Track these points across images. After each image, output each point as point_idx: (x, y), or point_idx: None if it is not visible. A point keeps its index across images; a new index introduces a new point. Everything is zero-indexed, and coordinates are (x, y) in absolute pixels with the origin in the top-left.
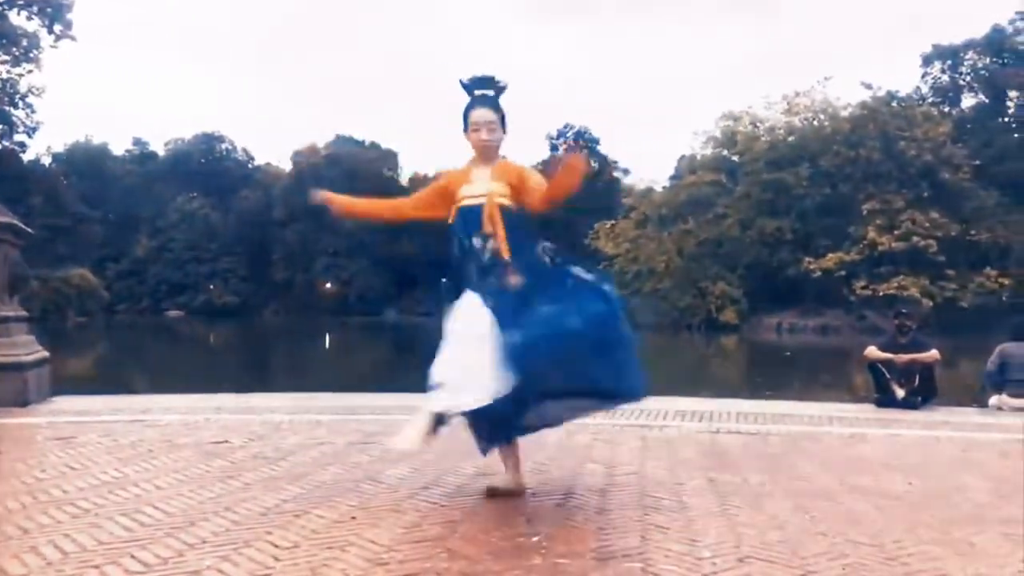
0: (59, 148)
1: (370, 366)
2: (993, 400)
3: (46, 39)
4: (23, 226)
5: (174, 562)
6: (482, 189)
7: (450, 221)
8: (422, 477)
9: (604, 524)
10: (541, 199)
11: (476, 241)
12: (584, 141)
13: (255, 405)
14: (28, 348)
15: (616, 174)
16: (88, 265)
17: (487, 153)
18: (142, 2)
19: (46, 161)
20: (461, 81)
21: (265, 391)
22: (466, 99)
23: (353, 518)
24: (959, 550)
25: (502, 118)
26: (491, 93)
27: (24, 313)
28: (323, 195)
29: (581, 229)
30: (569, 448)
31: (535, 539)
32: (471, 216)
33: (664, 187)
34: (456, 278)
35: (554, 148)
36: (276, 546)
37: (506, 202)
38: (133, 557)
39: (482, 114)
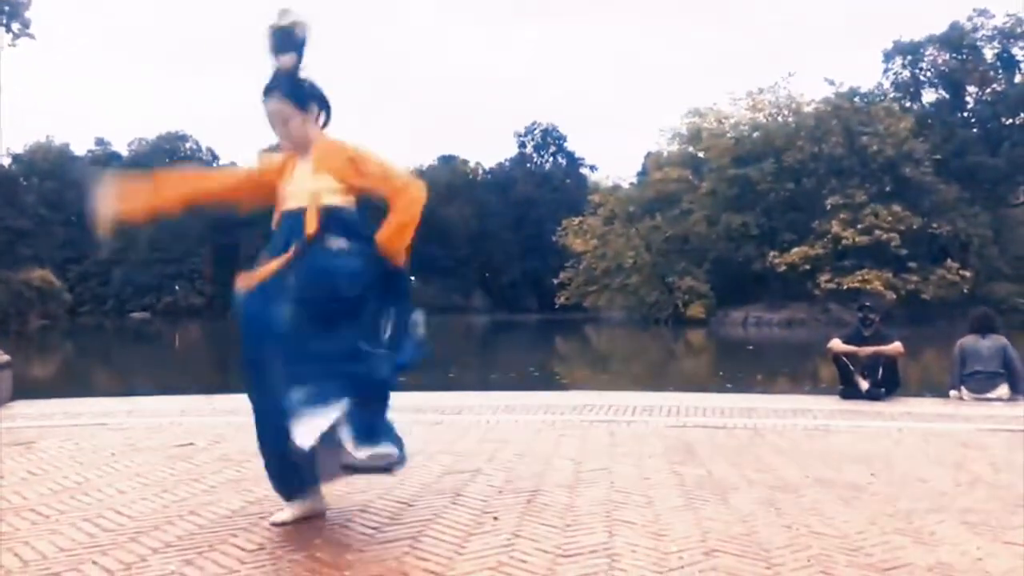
0: (19, 149)
1: None
2: (953, 394)
3: (3, 38)
4: None
5: (138, 567)
6: (305, 187)
7: (273, 227)
8: (390, 478)
9: (572, 521)
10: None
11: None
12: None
13: (220, 407)
14: None
15: (583, 171)
16: (50, 267)
17: (289, 145)
18: (102, 0)
19: (6, 162)
20: (268, 31)
21: (230, 392)
22: None
23: (320, 517)
24: (920, 539)
25: (296, 98)
26: (291, 61)
27: None
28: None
29: (549, 226)
30: (537, 445)
31: (503, 537)
32: (295, 223)
33: (631, 183)
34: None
35: (522, 146)
36: (242, 549)
37: (336, 202)
38: (95, 563)
39: (269, 108)
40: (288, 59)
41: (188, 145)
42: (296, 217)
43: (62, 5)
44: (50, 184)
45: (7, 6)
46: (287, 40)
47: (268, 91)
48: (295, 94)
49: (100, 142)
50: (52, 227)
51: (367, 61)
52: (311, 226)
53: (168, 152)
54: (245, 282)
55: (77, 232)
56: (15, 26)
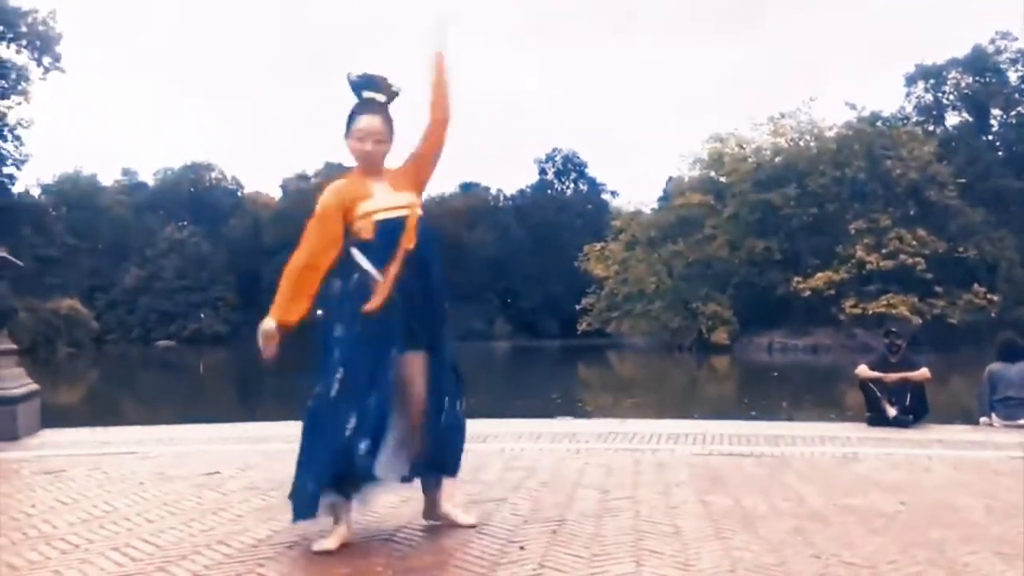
0: (48, 180)
1: None
2: (983, 420)
3: (35, 72)
4: (12, 258)
5: None
6: (399, 200)
7: (366, 236)
8: (413, 506)
9: (598, 551)
10: (429, 132)
11: (400, 260)
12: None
13: (246, 435)
14: (17, 381)
15: (605, 196)
16: (78, 295)
17: (371, 164)
18: (130, 34)
19: (35, 193)
20: (349, 78)
21: (256, 420)
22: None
23: (346, 547)
24: (954, 570)
25: (391, 127)
26: (381, 98)
27: (13, 346)
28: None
29: (571, 252)
30: (562, 474)
31: (529, 567)
32: (396, 230)
33: (653, 209)
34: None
35: (543, 172)
36: None
37: (421, 213)
38: None
39: (369, 122)
40: (383, 96)
41: (213, 175)
42: (397, 224)
43: (91, 38)
44: (78, 213)
45: (38, 40)
46: (378, 84)
47: (375, 109)
48: (391, 123)
49: (127, 172)
50: (79, 256)
51: None
52: (411, 238)
53: (193, 181)
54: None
55: (104, 261)
56: (46, 60)
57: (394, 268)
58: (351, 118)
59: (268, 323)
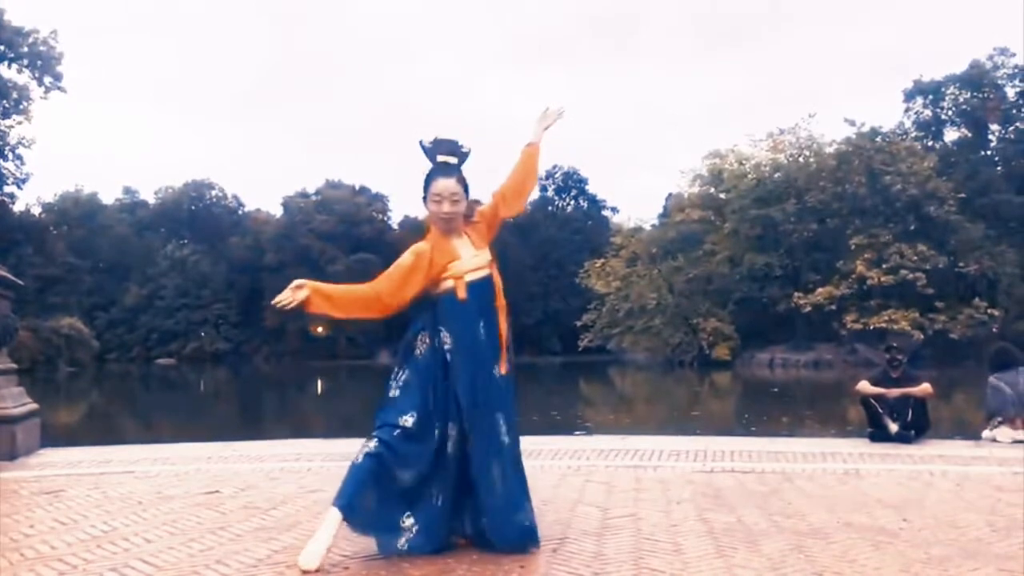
0: (49, 198)
1: (362, 411)
2: (986, 433)
3: (36, 91)
4: (13, 277)
5: None
6: (483, 259)
7: (461, 296)
8: None
9: (599, 569)
10: (510, 196)
11: (491, 319)
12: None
13: (246, 454)
14: (17, 400)
15: (605, 213)
16: (78, 314)
17: (449, 224)
18: (131, 53)
19: (36, 212)
20: (422, 145)
21: (256, 439)
22: (427, 160)
23: (347, 568)
24: None
25: (465, 188)
26: (454, 160)
27: (13, 365)
28: (292, 290)
29: (571, 268)
30: (563, 491)
31: None
32: (487, 290)
33: (653, 225)
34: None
35: (544, 189)
36: None
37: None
38: None
39: (446, 185)
40: (455, 159)
41: (214, 193)
42: (486, 284)
43: (91, 58)
44: (79, 232)
45: (40, 61)
46: (452, 147)
47: (450, 172)
48: (466, 185)
49: (128, 190)
50: (80, 274)
51: (384, 105)
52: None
53: (194, 199)
54: None
55: (104, 279)
56: (47, 80)
57: (503, 325)
58: (428, 181)
59: (308, 285)
